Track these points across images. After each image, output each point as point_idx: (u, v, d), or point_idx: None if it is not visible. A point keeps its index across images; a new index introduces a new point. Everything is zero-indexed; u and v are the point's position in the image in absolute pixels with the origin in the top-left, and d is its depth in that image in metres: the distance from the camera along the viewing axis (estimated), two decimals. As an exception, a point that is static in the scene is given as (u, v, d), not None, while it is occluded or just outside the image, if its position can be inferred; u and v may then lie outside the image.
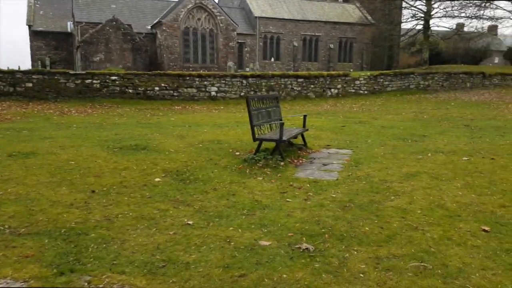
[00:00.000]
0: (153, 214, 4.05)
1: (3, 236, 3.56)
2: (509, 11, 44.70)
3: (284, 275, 2.87)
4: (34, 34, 33.52)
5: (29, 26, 33.46)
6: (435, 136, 9.10)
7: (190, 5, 32.73)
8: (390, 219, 3.91)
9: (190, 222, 3.83)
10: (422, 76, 23.50)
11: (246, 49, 37.85)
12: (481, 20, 34.06)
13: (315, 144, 8.06)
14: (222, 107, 17.04)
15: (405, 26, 39.48)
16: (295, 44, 39.16)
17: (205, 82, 18.61)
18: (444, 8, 34.33)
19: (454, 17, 34.40)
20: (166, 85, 18.02)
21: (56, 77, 16.76)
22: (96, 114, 13.95)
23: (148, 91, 17.72)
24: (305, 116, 8.11)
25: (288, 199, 4.61)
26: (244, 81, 19.22)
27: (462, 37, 36.90)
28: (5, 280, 2.84)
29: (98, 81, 17.15)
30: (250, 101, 6.46)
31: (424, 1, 33.71)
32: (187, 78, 18.40)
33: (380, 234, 3.58)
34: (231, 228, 3.69)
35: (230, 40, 34.32)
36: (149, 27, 34.02)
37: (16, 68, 18.40)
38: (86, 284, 2.81)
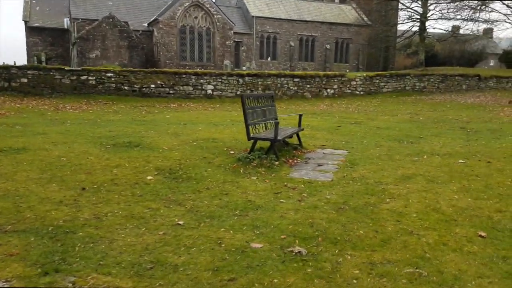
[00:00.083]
0: (143, 213, 3.95)
1: (-13, 234, 3.46)
2: (504, 14, 44.94)
3: (275, 280, 2.78)
4: (30, 30, 33.27)
5: (25, 22, 33.19)
6: (431, 138, 9.06)
7: (187, 4, 32.60)
8: (385, 223, 3.84)
9: (181, 222, 3.73)
10: (418, 78, 23.53)
11: (242, 48, 37.76)
12: (477, 22, 34.23)
13: (311, 144, 7.99)
14: (218, 105, 16.95)
15: (401, 27, 39.55)
16: (292, 44, 39.12)
17: (201, 80, 18.51)
18: (440, 10, 34.40)
19: (450, 19, 34.53)
20: (162, 83, 17.91)
21: (51, 73, 16.64)
22: (91, 111, 13.81)
23: (144, 89, 17.60)
24: (300, 116, 8.03)
25: (282, 200, 4.52)
26: (241, 80, 19.14)
27: (458, 39, 37.00)
28: (-14, 280, 2.74)
29: (94, 78, 17.04)
30: (245, 100, 6.37)
31: (420, 3, 33.78)
32: (183, 76, 18.30)
33: (374, 238, 3.50)
34: (222, 229, 3.60)
35: (227, 39, 34.21)
36: (146, 24, 33.85)
37: (12, 64, 18.18)
38: (70, 285, 2.72)
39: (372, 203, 4.44)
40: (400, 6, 36.62)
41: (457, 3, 32.66)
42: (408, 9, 34.71)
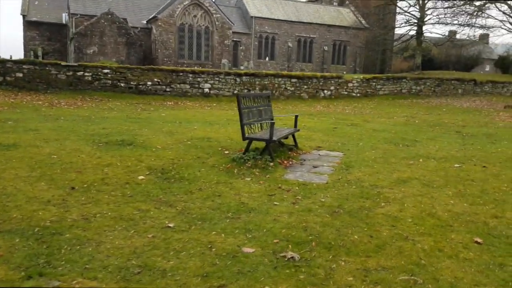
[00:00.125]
0: (132, 215, 3.85)
1: (-29, 233, 3.35)
2: (500, 21, 45.20)
3: (267, 287, 2.70)
4: (28, 24, 33.03)
5: (23, 16, 32.94)
6: (426, 142, 9.01)
7: (187, 2, 32.51)
8: (380, 228, 3.77)
9: (171, 225, 3.63)
10: (414, 81, 23.55)
11: (241, 47, 37.68)
12: (473, 28, 34.54)
13: (306, 145, 7.92)
14: (214, 104, 16.84)
15: (398, 31, 39.91)
16: (290, 44, 39.09)
17: (199, 79, 18.40)
18: (437, 15, 34.66)
19: (447, 24, 34.73)
20: (159, 80, 17.78)
21: (47, 68, 16.46)
22: (86, 107, 13.67)
23: (141, 86, 17.45)
24: (296, 117, 7.96)
25: (275, 202, 4.44)
26: (238, 79, 19.05)
27: (454, 44, 37.18)
28: (-34, 283, 2.64)
29: (90, 74, 16.87)
30: (241, 99, 6.29)
31: (418, 8, 33.90)
32: (181, 74, 18.18)
33: (369, 243, 3.42)
34: (214, 233, 3.50)
35: (225, 38, 34.12)
36: (145, 22, 33.70)
37: (8, 58, 18.00)
38: (54, 289, 2.62)
39: (367, 207, 4.37)
40: (398, 10, 36.84)
41: (454, 8, 32.82)
42: (406, 13, 34.88)
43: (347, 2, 44.55)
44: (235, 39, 36.24)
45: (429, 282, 2.86)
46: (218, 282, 2.71)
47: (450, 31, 39.65)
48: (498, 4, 32.35)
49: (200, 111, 14.17)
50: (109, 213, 3.90)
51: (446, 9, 33.55)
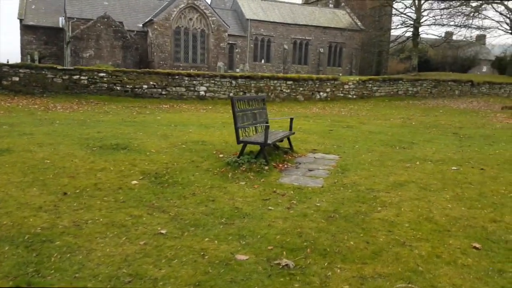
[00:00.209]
0: (125, 221, 3.77)
1: (-42, 242, 3.27)
2: (497, 21, 45.42)
3: (260, 296, 2.64)
4: (25, 28, 32.93)
5: (20, 20, 32.83)
6: (423, 144, 8.97)
7: (183, 5, 32.45)
8: (376, 233, 3.70)
9: (164, 231, 3.56)
10: (411, 83, 23.57)
11: (237, 50, 37.64)
12: (470, 29, 34.55)
13: (302, 148, 7.86)
14: (210, 107, 16.79)
15: (394, 32, 39.77)
16: (286, 47, 39.08)
17: (194, 82, 18.34)
18: (434, 16, 34.66)
19: (443, 25, 34.80)
20: (154, 83, 17.71)
21: (43, 72, 16.39)
22: (82, 111, 13.58)
23: (136, 89, 17.39)
24: (291, 119, 7.90)
25: (270, 207, 4.37)
26: (234, 82, 19.00)
27: (451, 45, 37.26)
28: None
29: (86, 77, 16.81)
30: (235, 102, 6.23)
31: (414, 9, 33.98)
32: (176, 77, 18.12)
33: (365, 249, 3.36)
34: (207, 239, 3.43)
35: (221, 41, 34.08)
36: (141, 25, 33.62)
37: (5, 62, 17.88)
38: (42, 300, 2.55)
39: (363, 211, 4.31)
40: (393, 11, 36.88)
41: (451, 9, 32.93)
42: (402, 15, 34.92)
43: (342, 4, 44.62)
44: (231, 42, 36.21)
45: (426, 289, 2.80)
46: (211, 292, 2.64)
47: (447, 32, 39.76)
48: (494, 5, 32.51)
49: (195, 114, 14.10)
50: (101, 219, 3.83)
51: (442, 10, 33.67)
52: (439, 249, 3.43)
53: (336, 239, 3.54)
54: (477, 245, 3.51)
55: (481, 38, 43.46)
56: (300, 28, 39.72)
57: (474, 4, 32.48)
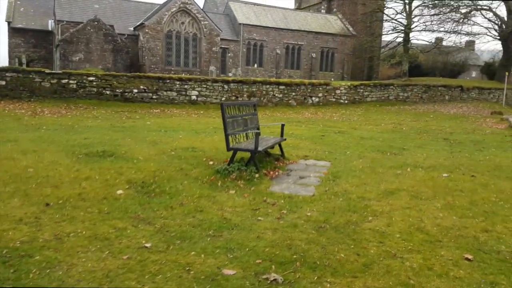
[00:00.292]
0: (108, 234, 3.64)
1: None
2: (486, 28, 46.00)
3: (247, 314, 2.53)
4: (13, 31, 32.49)
5: (8, 23, 32.41)
6: (414, 150, 8.96)
7: (174, 9, 32.32)
8: (367, 244, 3.62)
9: (148, 245, 3.43)
10: (402, 88, 23.71)
11: (229, 54, 37.57)
12: (459, 35, 35.01)
13: (293, 154, 7.79)
14: (202, 112, 16.67)
15: (385, 38, 40.20)
16: (278, 51, 39.13)
17: (186, 86, 18.23)
18: (424, 22, 35.05)
19: (433, 31, 35.16)
20: (145, 88, 17.56)
21: (31, 76, 16.17)
22: (70, 116, 13.38)
23: (126, 93, 17.21)
24: (282, 126, 7.83)
25: (259, 218, 4.27)
26: (226, 86, 18.92)
27: (441, 51, 37.63)
28: None
29: (75, 82, 16.60)
30: (225, 108, 6.13)
31: (405, 15, 34.28)
32: (167, 81, 17.99)
33: (356, 262, 3.27)
34: (193, 253, 3.31)
35: (214, 45, 34.00)
36: (132, 28, 33.40)
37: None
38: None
39: (354, 221, 4.23)
40: (384, 17, 37.16)
41: (441, 16, 33.27)
42: (393, 21, 35.22)
43: (334, 9, 44.85)
44: (223, 46, 36.14)
45: (418, 304, 2.72)
46: (195, 311, 2.53)
47: (437, 38, 40.17)
48: (483, 12, 32.92)
49: (186, 119, 13.98)
50: (84, 232, 3.69)
51: (432, 17, 34.03)
52: (430, 261, 3.36)
53: (326, 251, 3.45)
54: (469, 256, 3.45)
55: (470, 44, 43.99)
56: (292, 33, 39.82)
57: (463, 11, 32.91)
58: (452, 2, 32.32)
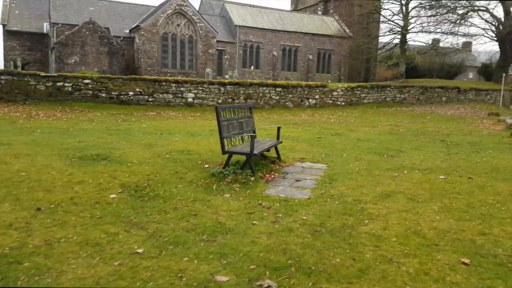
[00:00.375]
0: (100, 239, 3.57)
1: None
2: (483, 29, 46.17)
3: (239, 323, 2.47)
4: (8, 34, 32.35)
5: (3, 26, 32.28)
6: (411, 151, 8.92)
7: (170, 11, 32.26)
8: (363, 249, 3.57)
9: (140, 251, 3.36)
10: (399, 89, 23.71)
11: (225, 56, 37.53)
12: (456, 36, 35.00)
13: (290, 156, 7.74)
14: (198, 114, 16.60)
15: (382, 39, 40.16)
16: (275, 53, 39.12)
17: (182, 88, 18.16)
18: (421, 24, 35.09)
19: (430, 32, 35.22)
20: (141, 90, 17.48)
21: (26, 79, 16.07)
22: (65, 119, 13.29)
23: (122, 96, 17.14)
24: (278, 128, 7.78)
25: (254, 222, 4.21)
26: (222, 89, 18.87)
27: (438, 52, 37.69)
28: None
29: (70, 84, 16.52)
30: (220, 111, 6.07)
31: (401, 16, 34.35)
32: (163, 83, 17.92)
33: (351, 267, 3.22)
34: (186, 259, 3.25)
35: (210, 47, 33.95)
36: (127, 31, 33.30)
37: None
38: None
39: (350, 225, 4.18)
40: (381, 19, 37.22)
41: (437, 17, 33.36)
42: (390, 22, 35.28)
43: (331, 11, 44.93)
44: (219, 48, 36.10)
45: (415, 311, 2.67)
46: (186, 319, 2.47)
47: (434, 39, 40.27)
48: (480, 13, 33.01)
49: (182, 122, 13.91)
50: (75, 237, 3.62)
51: (429, 18, 34.07)
52: (427, 265, 3.30)
53: (321, 256, 3.40)
54: (466, 260, 3.40)
55: (467, 45, 44.13)
56: (289, 34, 39.82)
57: (460, 12, 32.97)
58: (449, 3, 32.40)
